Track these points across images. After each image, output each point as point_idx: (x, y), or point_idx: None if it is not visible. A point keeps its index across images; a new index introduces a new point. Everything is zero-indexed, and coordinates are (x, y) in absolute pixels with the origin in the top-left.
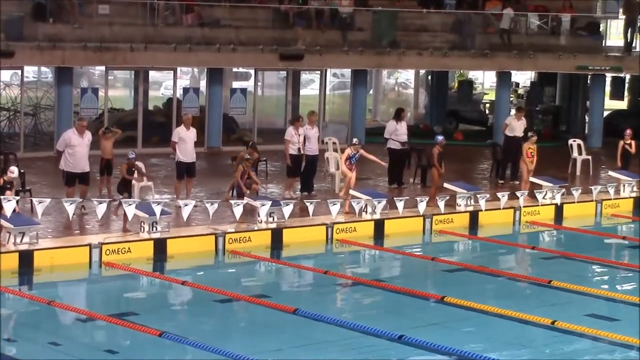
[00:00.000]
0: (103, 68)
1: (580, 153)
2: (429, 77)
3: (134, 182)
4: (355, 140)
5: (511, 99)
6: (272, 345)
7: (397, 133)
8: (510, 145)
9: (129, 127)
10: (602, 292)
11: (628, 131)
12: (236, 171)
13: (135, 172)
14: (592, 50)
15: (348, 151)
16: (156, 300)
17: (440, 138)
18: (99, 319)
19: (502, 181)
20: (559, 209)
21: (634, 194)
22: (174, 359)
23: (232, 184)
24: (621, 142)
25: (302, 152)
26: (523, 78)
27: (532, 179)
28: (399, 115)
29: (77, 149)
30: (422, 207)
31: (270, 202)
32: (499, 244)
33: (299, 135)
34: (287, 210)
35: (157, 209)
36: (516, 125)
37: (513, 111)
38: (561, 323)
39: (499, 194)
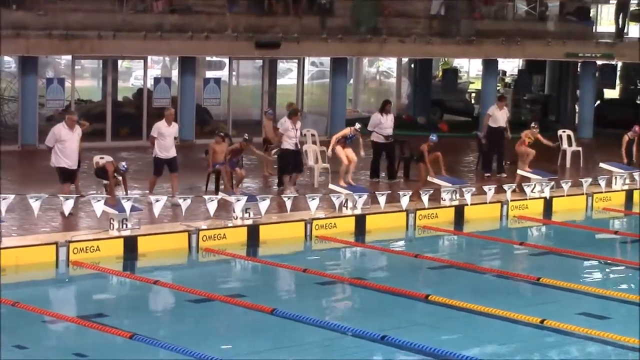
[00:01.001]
0: (69, 57)
1: (570, 144)
2: (412, 66)
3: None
4: (358, 125)
5: (498, 88)
6: (248, 347)
7: (382, 126)
8: (494, 137)
9: (97, 119)
10: (594, 289)
11: (637, 128)
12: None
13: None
14: (582, 37)
15: (346, 131)
16: (127, 301)
17: (434, 138)
18: (67, 320)
19: (488, 174)
20: (548, 203)
21: (626, 187)
22: None
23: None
24: (625, 137)
25: (299, 148)
26: (510, 66)
27: (519, 172)
28: (384, 108)
29: (67, 144)
30: (405, 201)
31: (245, 197)
32: (486, 239)
33: (297, 129)
34: (264, 205)
35: (127, 205)
36: (499, 115)
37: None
38: (551, 322)
39: (485, 188)
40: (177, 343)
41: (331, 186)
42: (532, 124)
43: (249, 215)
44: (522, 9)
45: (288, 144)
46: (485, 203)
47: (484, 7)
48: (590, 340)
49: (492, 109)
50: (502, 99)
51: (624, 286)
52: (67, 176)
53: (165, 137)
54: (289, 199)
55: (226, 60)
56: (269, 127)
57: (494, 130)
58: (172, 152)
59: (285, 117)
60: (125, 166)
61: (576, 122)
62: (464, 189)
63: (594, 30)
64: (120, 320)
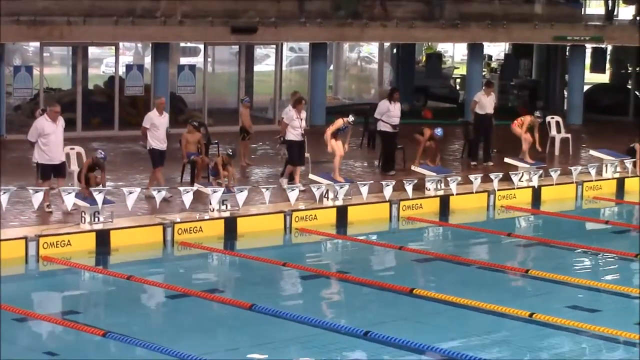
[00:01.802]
0: (38, 44)
1: (559, 131)
2: (395, 51)
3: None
4: (351, 117)
5: (484, 73)
6: (226, 344)
7: (390, 114)
8: (481, 124)
9: (67, 109)
10: (584, 281)
11: None
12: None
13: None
14: (570, 19)
15: (339, 123)
16: (99, 297)
17: (439, 133)
18: (37, 318)
19: (474, 163)
20: (536, 192)
21: (617, 175)
22: None
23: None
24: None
25: (304, 138)
26: (496, 50)
27: (507, 160)
28: (392, 95)
29: (51, 137)
30: (387, 191)
31: (222, 189)
32: (472, 230)
33: (301, 119)
34: (241, 197)
35: (99, 198)
36: (486, 102)
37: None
38: (540, 315)
39: (472, 177)
40: (152, 341)
41: (311, 176)
42: (537, 113)
43: (226, 208)
44: None
45: (293, 134)
46: (472, 193)
47: None
48: (580, 334)
49: (479, 95)
50: (489, 85)
51: (616, 278)
52: (48, 172)
53: (158, 128)
54: (267, 190)
55: (201, 46)
56: (245, 116)
57: (480, 118)
58: (164, 144)
59: (289, 106)
60: (103, 153)
61: (565, 108)
62: (449, 179)
63: (582, 13)
64: (93, 317)
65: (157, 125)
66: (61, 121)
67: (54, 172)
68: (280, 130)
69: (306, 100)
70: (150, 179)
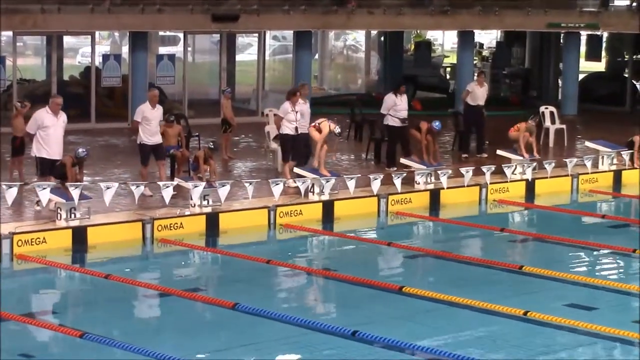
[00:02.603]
0: (10, 33)
1: (553, 122)
2: (382, 39)
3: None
4: (338, 129)
5: (475, 62)
6: (208, 345)
7: (397, 108)
8: (473, 115)
9: (41, 100)
10: (580, 277)
11: None
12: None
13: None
14: (564, 6)
15: (326, 130)
16: (77, 297)
17: (437, 126)
18: (11, 319)
19: (465, 155)
20: (530, 185)
21: (613, 167)
22: None
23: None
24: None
25: (299, 132)
26: (488, 38)
27: (499, 152)
28: (398, 88)
29: (51, 130)
30: (375, 185)
31: (203, 184)
32: (464, 225)
33: (296, 112)
34: (223, 192)
35: (75, 193)
36: (479, 92)
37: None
38: (535, 314)
39: (463, 170)
40: (132, 342)
41: (296, 170)
42: (531, 118)
43: (208, 203)
44: None
45: (287, 128)
46: (463, 186)
47: None
48: (577, 333)
49: (472, 85)
50: (481, 75)
51: (613, 274)
52: (47, 167)
53: (150, 121)
54: (250, 184)
55: (181, 35)
56: (227, 107)
57: (472, 108)
58: (158, 138)
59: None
60: (85, 151)
61: (559, 97)
62: (439, 172)
63: None
64: (70, 318)
65: (149, 118)
66: (63, 116)
67: (49, 170)
68: (275, 124)
69: (301, 92)
70: (142, 176)
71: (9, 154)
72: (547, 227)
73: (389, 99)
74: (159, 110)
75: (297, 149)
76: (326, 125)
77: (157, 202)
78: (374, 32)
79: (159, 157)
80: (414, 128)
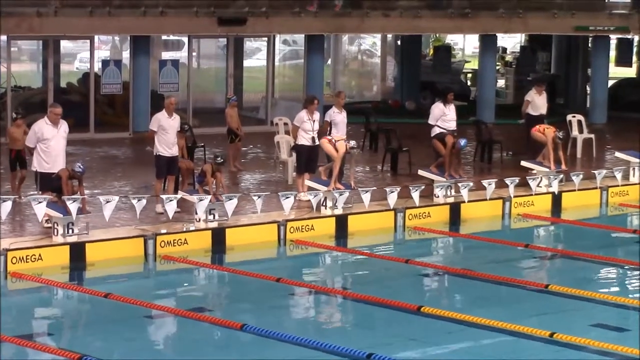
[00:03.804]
0: (4, 38)
1: (580, 131)
2: (399, 43)
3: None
4: (353, 143)
5: (497, 67)
6: None
7: (446, 118)
8: (535, 125)
9: (37, 109)
10: (610, 297)
11: None
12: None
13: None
14: (593, 8)
15: (343, 150)
16: (74, 318)
17: (463, 144)
18: (5, 341)
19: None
20: (556, 199)
21: None
22: None
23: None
24: None
25: (316, 142)
26: (511, 42)
27: (524, 163)
28: (446, 98)
29: (51, 143)
30: (392, 199)
31: (208, 198)
32: (486, 241)
33: (313, 121)
34: (230, 206)
35: (73, 207)
36: (539, 101)
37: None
38: (562, 335)
39: (485, 182)
40: None
41: (307, 182)
42: (560, 134)
43: (214, 217)
44: None
45: (304, 138)
46: (485, 200)
47: None
48: (606, 356)
49: (530, 94)
50: (540, 83)
51: None
52: (48, 183)
53: (167, 131)
54: (259, 197)
55: (185, 40)
56: (233, 117)
57: (534, 119)
58: (175, 149)
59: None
60: (83, 167)
61: (587, 105)
62: (459, 184)
63: (606, 0)
64: (67, 339)
65: (166, 128)
66: (64, 125)
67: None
68: (292, 135)
69: (318, 100)
70: (156, 190)
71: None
72: (575, 242)
73: (437, 109)
74: (176, 119)
75: (313, 160)
76: (343, 145)
77: (160, 217)
78: (389, 36)
79: (171, 171)
80: (438, 139)
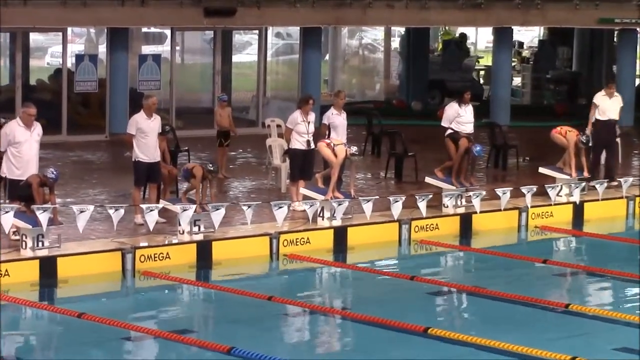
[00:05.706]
0: None
1: None
2: (405, 37)
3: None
4: (354, 148)
5: (513, 64)
6: None
7: (461, 120)
8: (602, 132)
9: (4, 109)
10: (636, 318)
11: None
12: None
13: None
14: None
15: (343, 155)
16: (44, 340)
17: (478, 151)
18: None
19: (597, 179)
20: (578, 209)
21: None
22: None
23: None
24: None
25: (311, 146)
26: (529, 36)
27: (542, 170)
28: (462, 97)
29: (23, 147)
30: (396, 209)
31: (193, 207)
32: (500, 256)
33: (308, 122)
34: (217, 216)
35: (44, 218)
36: (609, 105)
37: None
38: (583, 359)
39: (499, 191)
40: None
41: (302, 191)
42: (583, 137)
43: (199, 229)
44: None
45: (298, 142)
46: (499, 210)
47: None
48: None
49: (598, 96)
50: (611, 84)
51: None
52: (15, 191)
53: (147, 134)
54: (249, 207)
55: (168, 32)
56: (223, 117)
57: (603, 125)
58: (156, 154)
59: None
60: (56, 173)
61: None
62: (471, 193)
63: None
64: None
65: (145, 131)
66: (37, 128)
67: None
68: (285, 138)
69: (314, 100)
70: (134, 200)
71: None
72: (598, 258)
73: (451, 109)
74: (156, 120)
75: (308, 166)
76: (342, 150)
77: (140, 229)
78: (394, 29)
79: (153, 179)
80: (451, 140)
